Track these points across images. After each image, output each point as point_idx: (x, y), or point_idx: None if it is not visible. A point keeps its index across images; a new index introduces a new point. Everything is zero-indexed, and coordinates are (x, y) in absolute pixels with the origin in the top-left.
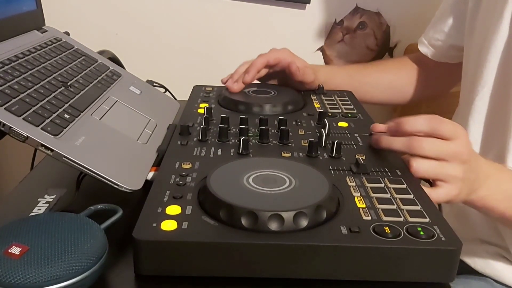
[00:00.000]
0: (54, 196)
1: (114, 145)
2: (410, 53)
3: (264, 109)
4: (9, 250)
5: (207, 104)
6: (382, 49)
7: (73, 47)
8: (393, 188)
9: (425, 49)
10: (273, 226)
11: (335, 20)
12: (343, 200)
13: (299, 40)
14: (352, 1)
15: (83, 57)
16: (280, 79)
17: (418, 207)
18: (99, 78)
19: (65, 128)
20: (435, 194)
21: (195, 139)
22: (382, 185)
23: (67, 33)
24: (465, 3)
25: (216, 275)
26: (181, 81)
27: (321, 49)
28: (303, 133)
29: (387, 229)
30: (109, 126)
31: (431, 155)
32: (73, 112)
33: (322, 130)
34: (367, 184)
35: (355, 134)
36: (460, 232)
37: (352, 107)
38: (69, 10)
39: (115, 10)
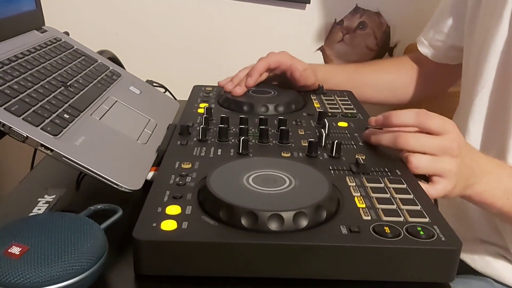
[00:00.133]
0: (54, 196)
1: (114, 145)
2: (410, 53)
3: (264, 109)
4: (9, 250)
5: (207, 104)
6: (382, 49)
7: (73, 47)
8: (393, 188)
9: (425, 49)
10: (273, 226)
11: (335, 20)
12: (343, 200)
13: (299, 40)
14: (352, 1)
15: (83, 57)
16: (280, 81)
17: (418, 207)
18: (99, 78)
19: (64, 128)
20: (433, 190)
21: (195, 139)
22: (382, 185)
23: (67, 33)
24: (464, 3)
25: (216, 275)
26: (181, 81)
27: (321, 49)
28: (303, 133)
29: (387, 229)
30: (109, 126)
31: (417, 150)
32: (72, 112)
33: (322, 130)
34: (367, 184)
35: (355, 134)
36: (460, 232)
37: (352, 107)
38: (69, 10)
39: (115, 10)
